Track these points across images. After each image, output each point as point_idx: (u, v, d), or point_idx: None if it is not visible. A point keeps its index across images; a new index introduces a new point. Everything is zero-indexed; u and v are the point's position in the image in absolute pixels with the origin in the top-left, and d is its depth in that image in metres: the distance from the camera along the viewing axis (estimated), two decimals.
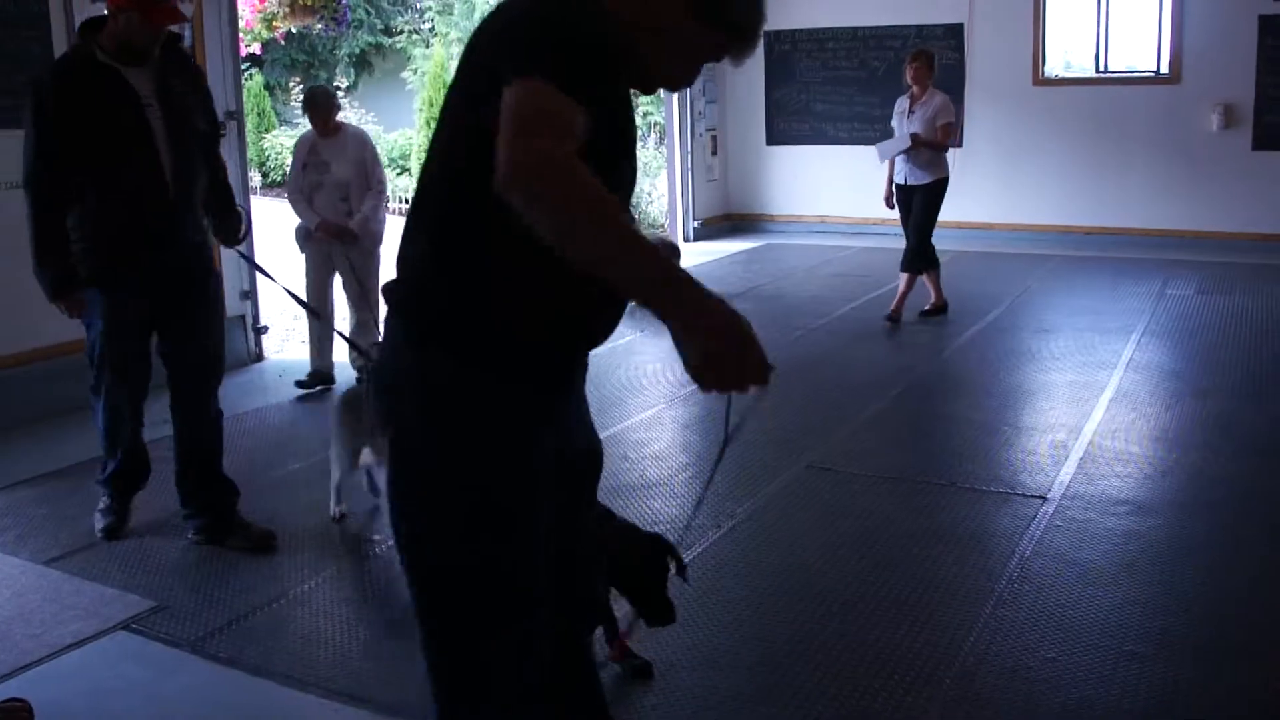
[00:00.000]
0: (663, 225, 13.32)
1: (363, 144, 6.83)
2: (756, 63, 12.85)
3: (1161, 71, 11.60)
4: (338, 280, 6.85)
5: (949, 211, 11.20)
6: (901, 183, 8.51)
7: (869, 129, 12.34)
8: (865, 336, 8.06)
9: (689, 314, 1.74)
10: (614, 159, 1.99)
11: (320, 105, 6.75)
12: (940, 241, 10.63)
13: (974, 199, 11.43)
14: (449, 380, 1.97)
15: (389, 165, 17.34)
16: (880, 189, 8.75)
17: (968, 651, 3.55)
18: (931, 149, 8.27)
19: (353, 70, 22.00)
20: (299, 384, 6.79)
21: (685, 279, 1.74)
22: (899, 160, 8.45)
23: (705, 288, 1.73)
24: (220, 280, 4.49)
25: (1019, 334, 8.08)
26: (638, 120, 16.71)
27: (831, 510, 4.84)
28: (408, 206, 2.13)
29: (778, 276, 10.70)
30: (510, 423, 2.00)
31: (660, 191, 13.76)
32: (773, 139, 13.33)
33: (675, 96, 12.45)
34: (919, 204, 8.42)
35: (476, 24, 2.08)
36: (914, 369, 7.15)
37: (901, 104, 8.53)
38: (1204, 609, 3.85)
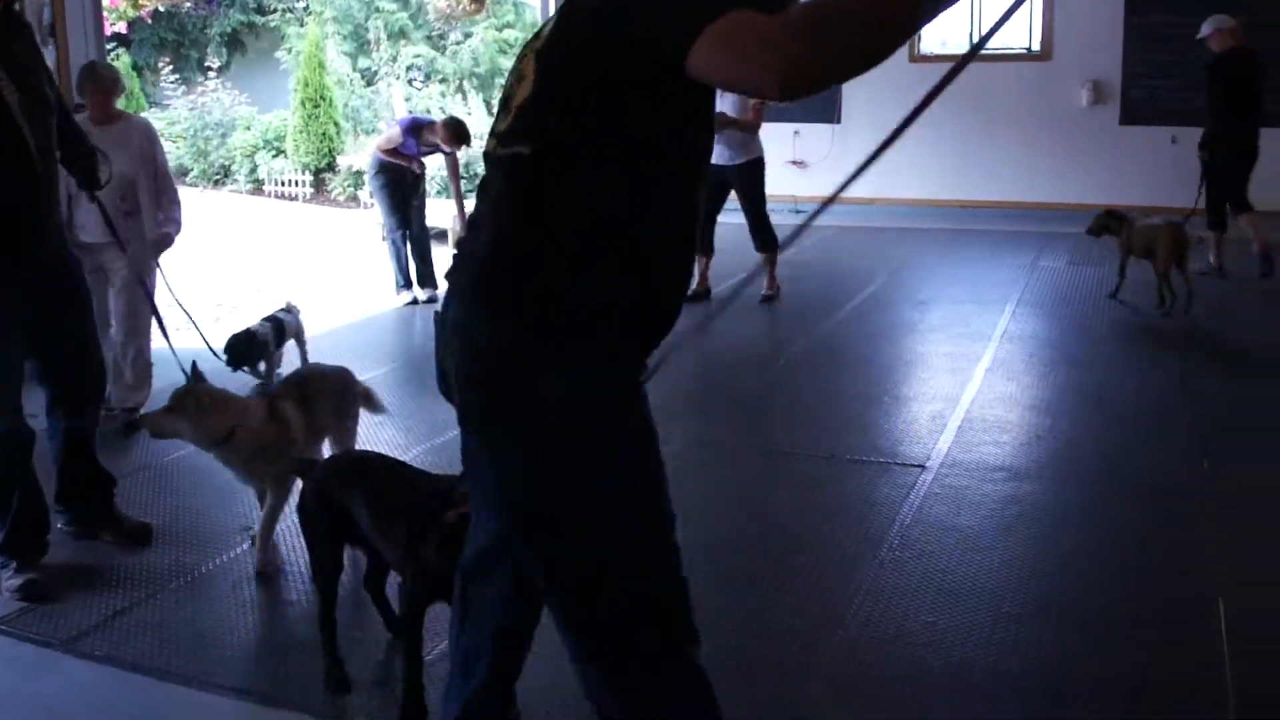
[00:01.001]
0: None
1: (149, 138, 5.87)
2: None
3: (1034, 49, 11.91)
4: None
5: (828, 187, 11.30)
6: (715, 163, 8.14)
7: None
8: (744, 312, 8.10)
9: None
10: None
11: (103, 81, 5.68)
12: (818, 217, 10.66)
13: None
14: (583, 366, 2.01)
15: (264, 147, 16.97)
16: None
17: (850, 620, 3.60)
18: (743, 129, 7.97)
19: (225, 50, 21.44)
20: (130, 424, 5.58)
21: None
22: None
23: None
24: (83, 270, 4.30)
25: (897, 307, 8.22)
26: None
27: (713, 485, 4.87)
28: (489, 192, 2.11)
29: None
30: (636, 401, 2.13)
31: None
32: None
33: None
34: (746, 185, 8.20)
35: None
36: (794, 342, 7.23)
37: None
38: (1077, 573, 3.97)
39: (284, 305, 6.62)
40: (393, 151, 8.61)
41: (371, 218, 12.42)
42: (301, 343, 6.70)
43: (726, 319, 7.67)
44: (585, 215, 1.98)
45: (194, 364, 4.06)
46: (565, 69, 1.98)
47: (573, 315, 2.00)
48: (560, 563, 2.13)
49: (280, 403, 4.11)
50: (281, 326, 6.44)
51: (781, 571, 3.98)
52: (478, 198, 2.18)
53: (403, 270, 8.77)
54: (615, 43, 1.90)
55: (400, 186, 8.66)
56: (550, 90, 1.99)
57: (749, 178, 8.16)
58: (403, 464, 3.44)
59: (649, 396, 2.16)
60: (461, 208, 9.39)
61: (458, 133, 8.70)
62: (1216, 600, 3.64)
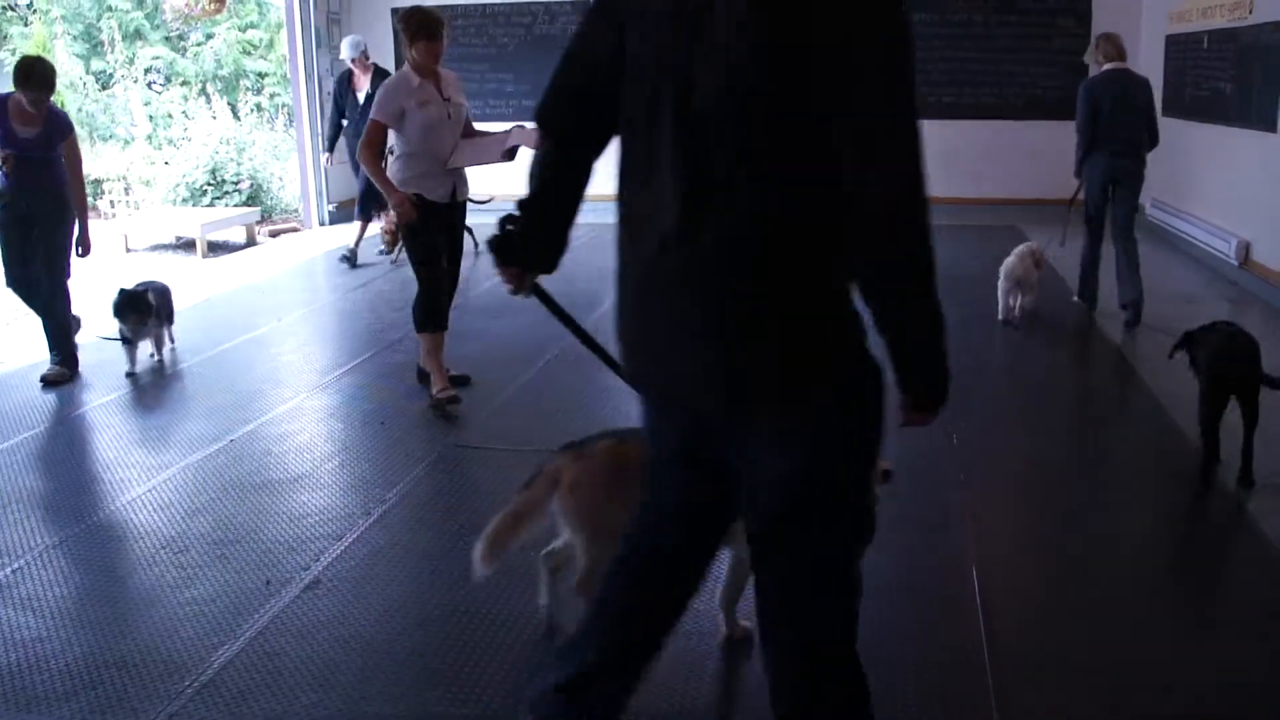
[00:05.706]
0: (296, 210, 12.94)
1: None
2: (385, 40, 12.65)
3: None
4: None
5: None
6: (445, 200, 5.71)
7: (502, 105, 12.43)
8: (506, 311, 7.99)
9: None
10: None
11: None
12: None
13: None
14: None
15: None
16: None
17: None
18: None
19: None
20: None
21: None
22: (437, 171, 5.67)
23: None
24: None
25: None
26: (264, 102, 15.81)
27: (481, 486, 4.85)
28: None
29: None
30: None
31: (292, 176, 13.31)
32: None
33: (303, 77, 12.07)
34: (461, 229, 6.03)
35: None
36: (557, 340, 7.21)
37: (422, 91, 5.59)
38: None
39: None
40: None
41: (114, 228, 11.86)
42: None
43: (485, 318, 7.63)
44: None
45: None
46: None
47: None
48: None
49: None
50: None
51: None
52: None
53: None
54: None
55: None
56: None
57: (463, 219, 6.04)
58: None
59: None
60: (84, 216, 6.90)
61: (26, 74, 6.04)
62: (970, 570, 3.84)
